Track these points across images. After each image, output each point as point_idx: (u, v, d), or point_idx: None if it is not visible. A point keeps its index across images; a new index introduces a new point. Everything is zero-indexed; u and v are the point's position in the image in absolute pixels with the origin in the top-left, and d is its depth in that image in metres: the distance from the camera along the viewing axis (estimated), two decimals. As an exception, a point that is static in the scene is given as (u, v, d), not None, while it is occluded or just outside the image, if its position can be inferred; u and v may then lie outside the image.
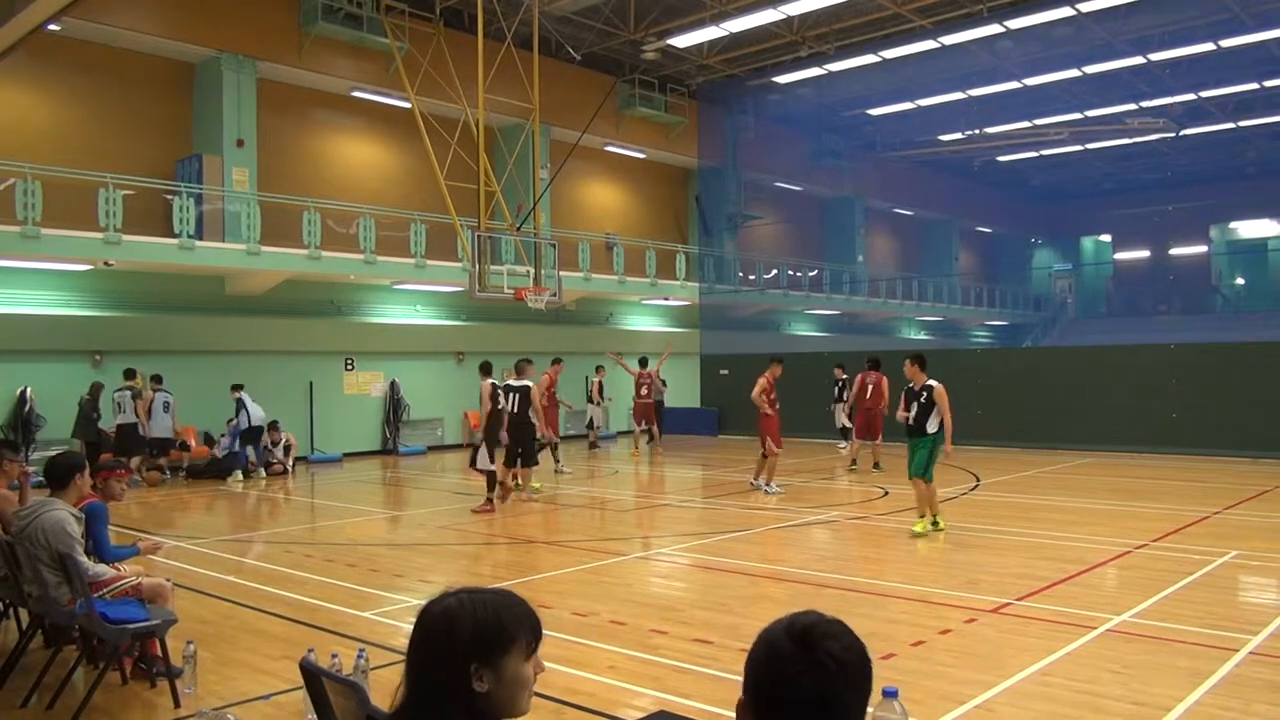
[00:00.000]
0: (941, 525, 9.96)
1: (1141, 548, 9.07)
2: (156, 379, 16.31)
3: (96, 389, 15.89)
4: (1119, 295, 45.05)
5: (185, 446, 16.89)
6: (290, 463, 17.42)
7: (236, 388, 16.65)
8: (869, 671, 1.65)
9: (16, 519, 5.27)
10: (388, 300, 21.97)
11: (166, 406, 16.14)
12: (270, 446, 17.14)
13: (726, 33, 23.34)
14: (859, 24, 23.51)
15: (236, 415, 16.37)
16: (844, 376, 19.81)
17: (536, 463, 13.53)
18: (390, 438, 21.24)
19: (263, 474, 16.35)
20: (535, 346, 22.91)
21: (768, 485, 13.34)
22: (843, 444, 19.96)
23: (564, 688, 5.25)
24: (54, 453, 14.16)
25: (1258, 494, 12.57)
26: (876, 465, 15.92)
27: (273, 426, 17.17)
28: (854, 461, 16.29)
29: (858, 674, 1.62)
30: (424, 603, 1.93)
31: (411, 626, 1.90)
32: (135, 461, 15.36)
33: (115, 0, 17.33)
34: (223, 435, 16.97)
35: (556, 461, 16.76)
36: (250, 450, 16.58)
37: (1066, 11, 21.67)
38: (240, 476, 15.96)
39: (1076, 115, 30.63)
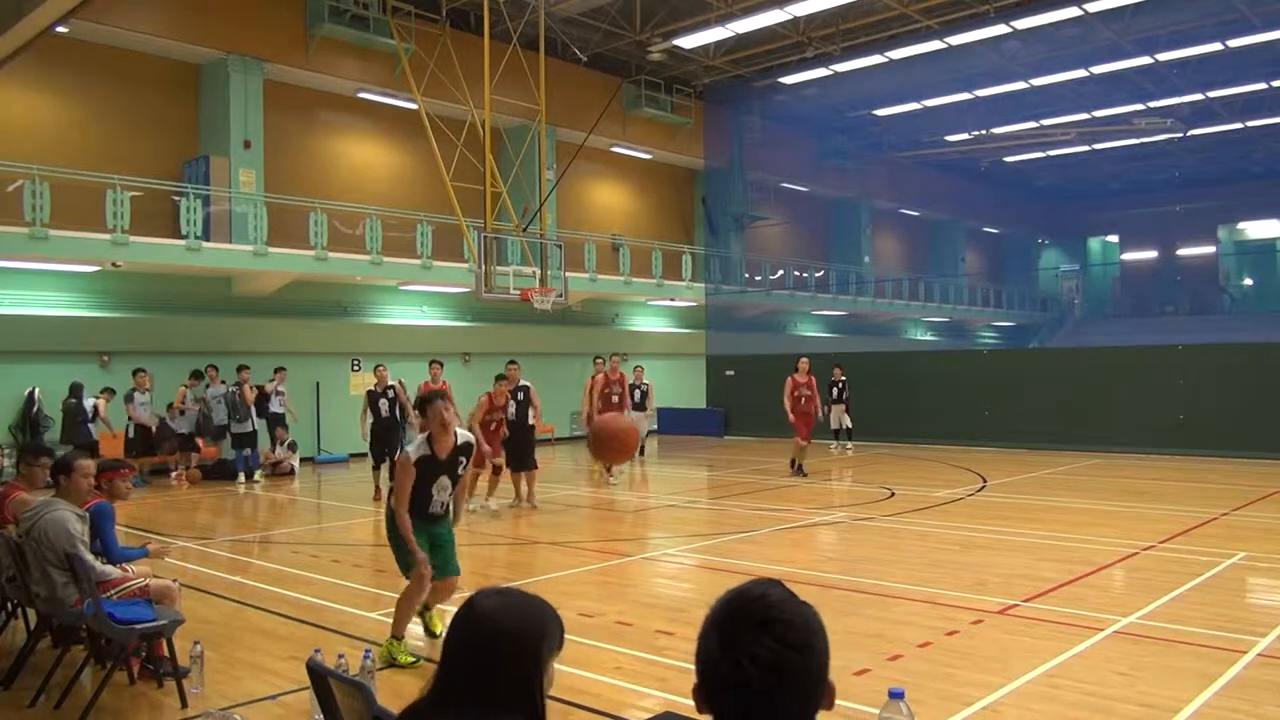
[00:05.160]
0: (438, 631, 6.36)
1: (1149, 549, 9.04)
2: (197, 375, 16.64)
3: (78, 389, 15.84)
4: (1126, 296, 44.95)
5: (195, 446, 16.89)
6: (296, 461, 17.43)
7: (241, 369, 16.25)
8: (809, 656, 1.56)
9: (22, 519, 5.28)
10: (394, 301, 22.00)
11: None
12: (279, 444, 17.16)
13: (732, 33, 23.33)
14: (865, 24, 23.49)
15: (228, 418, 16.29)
16: (843, 377, 19.82)
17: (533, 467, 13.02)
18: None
19: (257, 478, 16.18)
20: (540, 347, 22.97)
21: (486, 500, 12.44)
22: (835, 444, 19.96)
23: (570, 688, 5.24)
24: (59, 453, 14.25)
25: (1266, 495, 12.52)
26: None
27: (279, 423, 17.17)
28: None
29: (790, 665, 1.54)
30: (473, 600, 1.92)
31: (466, 623, 1.89)
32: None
33: (122, 2, 17.39)
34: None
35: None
36: (247, 452, 16.49)
37: (1073, 12, 21.62)
38: (243, 480, 15.93)
39: (1083, 115, 30.58)
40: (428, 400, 5.92)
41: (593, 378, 15.42)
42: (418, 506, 5.89)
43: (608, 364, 15.50)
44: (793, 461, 15.62)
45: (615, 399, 15.19)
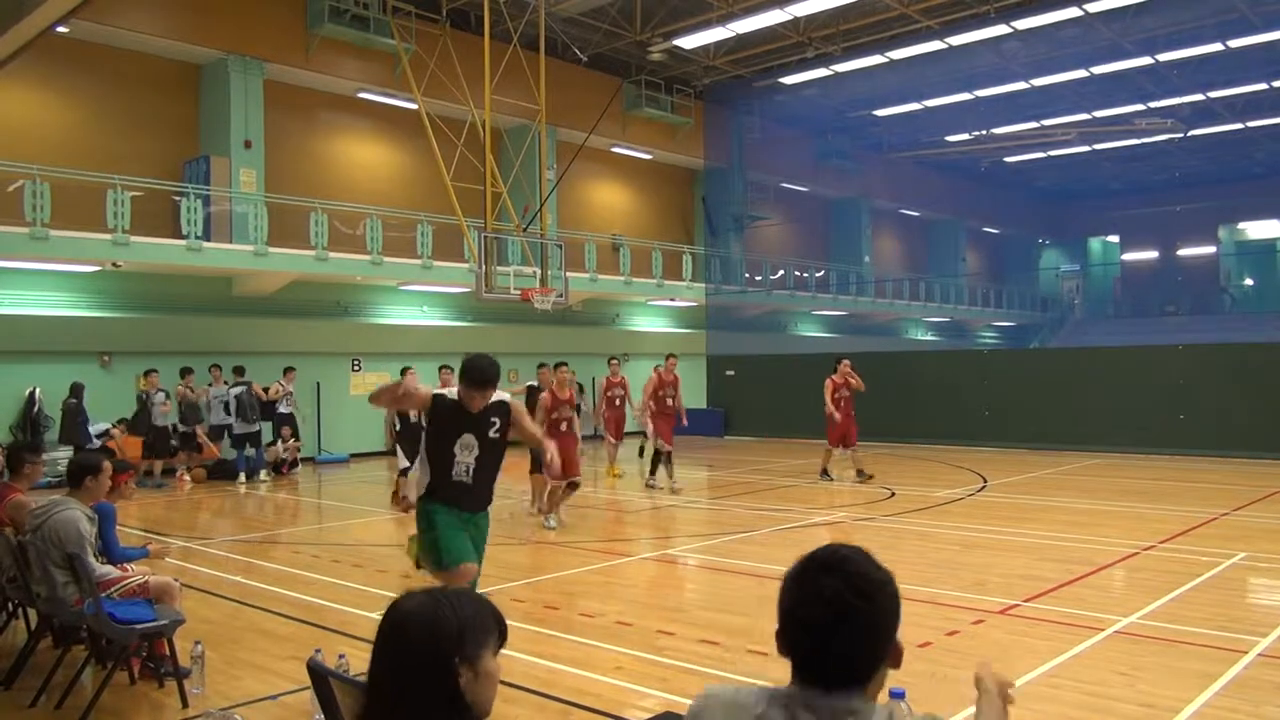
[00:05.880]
0: None
1: (1149, 549, 9.04)
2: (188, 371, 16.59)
3: (78, 389, 15.85)
4: (1126, 296, 44.95)
5: (198, 447, 16.85)
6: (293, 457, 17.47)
7: (238, 370, 16.44)
8: (872, 606, 1.75)
9: (31, 517, 5.29)
10: (394, 301, 22.00)
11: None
12: (284, 441, 17.19)
13: (733, 34, 23.34)
14: (866, 25, 23.49)
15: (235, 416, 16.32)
16: None
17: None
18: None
19: (263, 477, 16.22)
20: (541, 347, 22.95)
21: (547, 518, 10.96)
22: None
23: (571, 688, 5.25)
24: (60, 454, 14.26)
25: (1266, 495, 12.53)
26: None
27: (286, 422, 17.26)
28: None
29: (858, 609, 1.74)
30: (394, 603, 1.90)
31: (382, 626, 1.87)
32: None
33: (122, 2, 17.39)
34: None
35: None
36: (251, 453, 16.53)
37: (1074, 12, 21.62)
38: (244, 479, 15.95)
39: (1084, 116, 30.59)
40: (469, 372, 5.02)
41: (600, 381, 14.83)
42: (437, 469, 5.09)
43: (663, 364, 14.64)
44: (859, 471, 14.42)
45: (670, 401, 14.22)
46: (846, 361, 14.70)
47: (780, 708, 1.76)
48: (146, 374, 16.02)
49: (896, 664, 1.81)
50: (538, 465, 11.27)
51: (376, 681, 1.88)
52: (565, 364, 11.49)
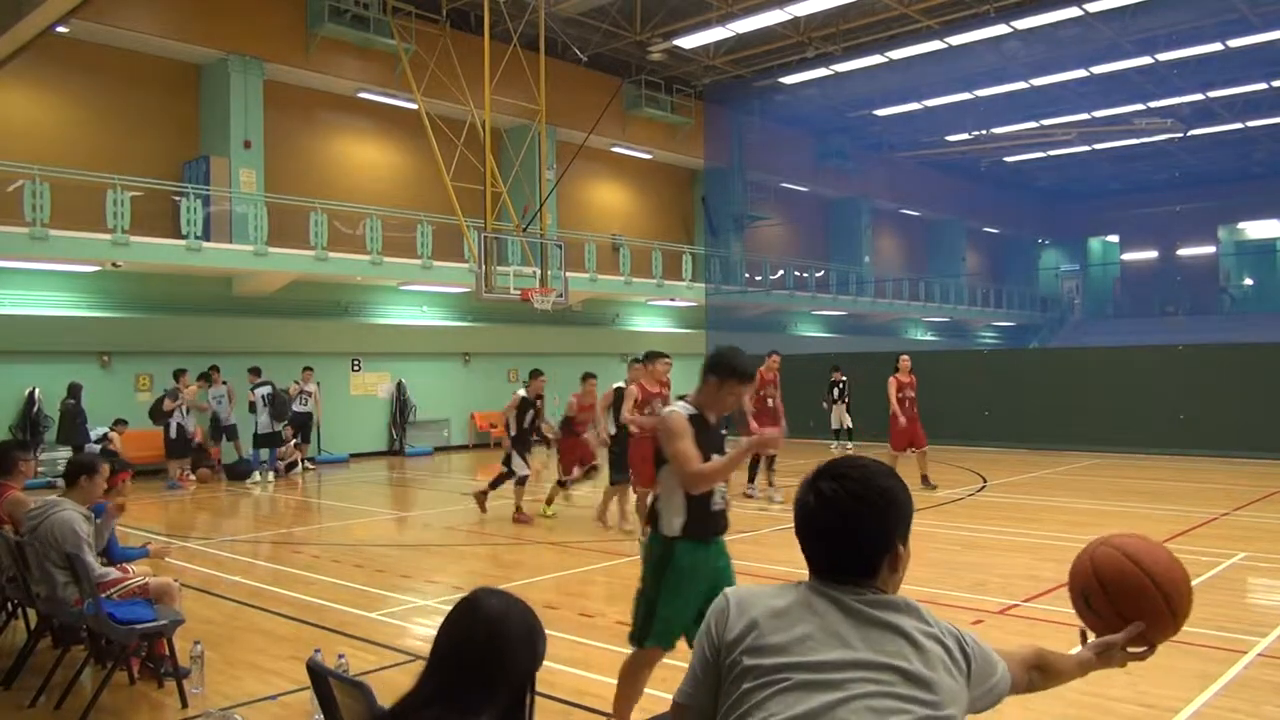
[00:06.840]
0: None
1: (1149, 549, 9.02)
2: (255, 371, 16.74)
3: (76, 390, 15.86)
4: (1126, 296, 44.94)
5: (201, 448, 16.82)
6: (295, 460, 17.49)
7: (254, 372, 16.57)
8: (871, 509, 1.88)
9: (27, 519, 5.29)
10: (394, 301, 22.00)
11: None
12: (285, 442, 17.23)
13: (733, 33, 23.33)
14: (865, 24, 23.49)
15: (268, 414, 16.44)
16: (843, 378, 19.88)
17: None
18: (397, 439, 21.30)
19: (271, 478, 16.24)
20: (541, 348, 22.99)
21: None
22: (836, 444, 20.10)
23: (571, 689, 5.25)
24: (59, 454, 14.25)
25: (1266, 495, 12.53)
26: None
27: (296, 421, 17.35)
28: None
29: (851, 510, 1.88)
30: (480, 597, 1.90)
31: (467, 621, 1.88)
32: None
33: (122, 2, 17.39)
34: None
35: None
36: (264, 453, 16.56)
37: (1074, 12, 21.62)
38: (256, 478, 15.97)
39: (1084, 115, 30.57)
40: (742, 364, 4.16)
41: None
42: (697, 501, 4.20)
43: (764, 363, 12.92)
44: (924, 478, 13.36)
45: (770, 403, 12.76)
46: (906, 358, 13.84)
47: (798, 595, 1.95)
48: (177, 375, 16.00)
49: (895, 568, 1.94)
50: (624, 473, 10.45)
51: (452, 670, 1.85)
52: (666, 355, 10.79)
